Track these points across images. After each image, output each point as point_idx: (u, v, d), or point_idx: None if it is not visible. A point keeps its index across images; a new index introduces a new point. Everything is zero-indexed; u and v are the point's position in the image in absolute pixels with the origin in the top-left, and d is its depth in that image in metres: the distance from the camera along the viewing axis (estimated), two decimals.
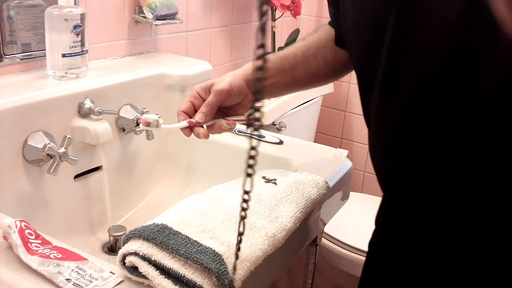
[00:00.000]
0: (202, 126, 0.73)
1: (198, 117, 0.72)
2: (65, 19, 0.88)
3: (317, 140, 1.95)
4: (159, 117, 0.71)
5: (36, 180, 0.83)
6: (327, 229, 1.53)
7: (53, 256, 0.58)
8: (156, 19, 1.11)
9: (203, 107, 0.73)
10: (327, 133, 2.00)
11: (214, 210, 0.64)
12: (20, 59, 0.92)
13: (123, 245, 0.57)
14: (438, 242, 0.61)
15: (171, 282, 0.54)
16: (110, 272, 0.57)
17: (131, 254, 0.56)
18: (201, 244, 0.56)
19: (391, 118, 0.61)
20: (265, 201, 0.68)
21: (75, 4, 0.91)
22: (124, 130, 0.99)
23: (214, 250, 0.55)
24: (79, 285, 0.54)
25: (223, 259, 0.54)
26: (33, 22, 0.92)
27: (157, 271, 0.54)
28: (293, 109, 1.56)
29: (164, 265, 0.54)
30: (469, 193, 0.56)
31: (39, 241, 0.61)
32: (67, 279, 0.55)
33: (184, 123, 0.71)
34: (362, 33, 0.64)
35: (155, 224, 0.58)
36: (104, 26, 1.08)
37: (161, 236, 0.56)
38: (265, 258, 0.61)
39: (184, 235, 0.57)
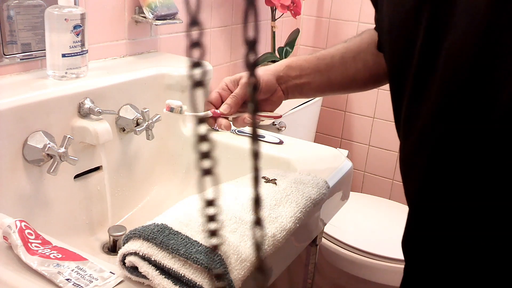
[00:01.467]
0: (227, 118, 0.73)
1: (223, 108, 0.72)
2: (65, 19, 0.88)
3: (317, 140, 1.95)
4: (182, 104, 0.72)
5: (36, 180, 0.83)
6: (327, 229, 1.53)
7: (53, 256, 0.58)
8: (156, 19, 1.11)
9: (229, 99, 0.73)
10: (327, 133, 2.00)
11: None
12: (20, 59, 0.92)
13: (123, 245, 0.57)
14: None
15: (171, 282, 0.54)
16: (110, 272, 0.57)
17: (131, 254, 0.56)
18: (201, 244, 0.56)
19: (416, 127, 0.58)
20: (265, 201, 0.68)
21: (75, 4, 0.91)
22: (124, 130, 0.99)
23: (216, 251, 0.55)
24: (79, 285, 0.54)
25: (223, 259, 0.54)
26: (33, 22, 0.92)
27: (157, 271, 0.54)
28: (293, 109, 1.56)
29: (164, 265, 0.54)
30: (502, 206, 0.52)
31: (39, 241, 0.61)
32: (67, 279, 0.55)
33: (209, 113, 0.72)
34: (395, 35, 0.60)
35: (155, 224, 0.58)
36: (104, 26, 1.08)
37: (161, 236, 0.56)
38: (265, 258, 0.62)
39: (184, 235, 0.57)
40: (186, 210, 0.64)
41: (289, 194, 0.71)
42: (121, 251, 0.56)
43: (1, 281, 0.55)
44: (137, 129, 0.95)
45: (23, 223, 0.61)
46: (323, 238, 1.52)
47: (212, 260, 0.54)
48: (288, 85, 0.78)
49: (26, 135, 0.80)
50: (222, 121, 0.72)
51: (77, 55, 0.91)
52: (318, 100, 1.74)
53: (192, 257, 0.54)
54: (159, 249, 0.55)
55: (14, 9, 0.88)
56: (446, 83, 0.53)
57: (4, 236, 0.60)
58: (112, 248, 0.89)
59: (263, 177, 0.75)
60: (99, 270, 0.57)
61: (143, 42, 1.19)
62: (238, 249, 0.58)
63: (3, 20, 0.87)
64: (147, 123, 0.96)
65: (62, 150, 0.80)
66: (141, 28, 1.17)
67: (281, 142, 1.02)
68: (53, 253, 0.59)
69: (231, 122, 0.74)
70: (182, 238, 0.56)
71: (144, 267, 0.55)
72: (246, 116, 0.73)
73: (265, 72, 0.75)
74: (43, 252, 0.58)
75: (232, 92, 0.74)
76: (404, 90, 0.60)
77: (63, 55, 0.90)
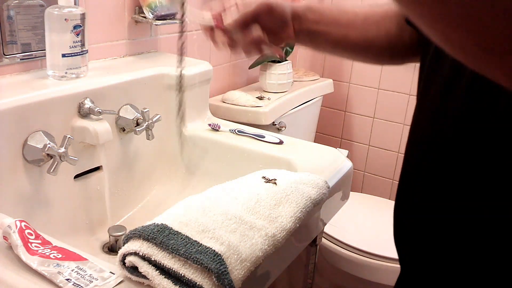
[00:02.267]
0: (228, 34, 0.66)
1: (227, 19, 0.64)
2: (65, 19, 0.88)
3: (317, 140, 1.95)
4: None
5: (36, 180, 0.83)
6: (327, 229, 1.53)
7: (53, 256, 0.58)
8: (156, 19, 1.11)
9: (239, 16, 0.65)
10: (327, 133, 2.00)
11: (214, 210, 0.64)
12: (20, 59, 0.92)
13: (123, 245, 0.57)
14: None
15: (171, 282, 0.54)
16: (110, 272, 0.57)
17: (131, 254, 0.56)
18: (201, 244, 0.56)
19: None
20: (265, 201, 0.68)
21: (75, 4, 0.91)
22: (124, 130, 0.99)
23: (214, 250, 0.55)
24: (79, 285, 0.54)
25: (223, 259, 0.54)
26: (33, 22, 0.92)
27: (157, 271, 0.54)
28: (293, 109, 1.56)
29: (164, 265, 0.54)
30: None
31: (39, 241, 0.61)
32: (67, 279, 0.55)
33: (210, 19, 0.64)
34: None
35: (155, 224, 0.58)
36: (104, 26, 1.08)
37: (161, 236, 0.56)
38: (265, 258, 0.61)
39: (184, 235, 0.57)
40: (186, 210, 0.64)
41: (289, 194, 0.71)
42: (121, 251, 0.56)
43: (1, 281, 0.55)
44: (137, 129, 0.95)
45: (23, 223, 0.61)
46: (323, 238, 1.52)
47: (212, 260, 0.54)
48: (302, 26, 0.71)
49: (26, 135, 0.80)
50: (220, 35, 0.66)
51: (77, 55, 0.91)
52: (318, 100, 1.74)
53: (192, 257, 0.54)
54: (159, 249, 0.55)
55: (14, 9, 0.88)
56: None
57: (4, 236, 0.60)
58: (112, 248, 0.89)
59: (263, 177, 0.75)
60: (99, 270, 0.57)
61: (143, 42, 1.19)
62: (238, 249, 0.58)
63: (3, 20, 0.87)
64: (147, 123, 0.96)
65: (62, 150, 0.80)
66: (141, 28, 1.17)
67: (281, 142, 1.02)
68: (53, 253, 0.59)
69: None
70: (182, 238, 0.56)
71: (144, 267, 0.55)
72: (255, 36, 0.66)
73: (282, 1, 0.68)
74: (43, 252, 0.58)
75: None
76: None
77: (63, 55, 0.90)
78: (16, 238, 0.59)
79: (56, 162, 0.80)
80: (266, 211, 0.66)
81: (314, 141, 1.84)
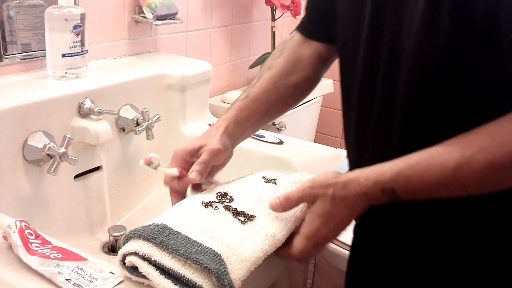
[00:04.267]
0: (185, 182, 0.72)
1: (193, 175, 0.69)
2: (65, 19, 0.88)
3: (317, 140, 1.95)
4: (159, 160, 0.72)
5: (36, 180, 0.83)
6: None
7: (53, 256, 0.58)
8: (156, 19, 1.11)
9: (198, 166, 0.70)
10: (327, 133, 2.00)
11: (214, 210, 0.64)
12: (20, 59, 0.92)
13: (123, 245, 0.57)
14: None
15: (171, 282, 0.54)
16: (110, 272, 0.57)
17: (131, 254, 0.56)
18: (201, 244, 0.56)
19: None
20: (265, 201, 0.68)
21: (75, 4, 0.91)
22: (124, 130, 0.99)
23: (214, 250, 0.55)
24: (79, 285, 0.54)
25: (222, 259, 0.54)
26: (33, 22, 0.92)
27: (157, 271, 0.54)
28: (293, 109, 1.56)
29: (164, 265, 0.54)
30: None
31: (39, 241, 0.61)
32: (67, 279, 0.55)
33: (176, 172, 0.71)
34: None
35: (155, 224, 0.58)
36: (104, 26, 1.08)
37: (161, 236, 0.56)
38: (265, 258, 0.61)
39: (184, 235, 0.57)
40: (186, 210, 0.64)
41: None
42: (121, 251, 0.56)
43: (1, 281, 0.55)
44: (137, 129, 0.95)
45: (23, 223, 0.61)
46: None
47: (211, 260, 0.53)
48: (239, 140, 0.78)
49: (26, 135, 0.80)
50: (181, 184, 0.72)
51: (77, 55, 0.91)
52: (318, 100, 1.74)
53: (192, 257, 0.54)
54: (159, 249, 0.55)
55: (14, 9, 0.88)
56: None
57: (4, 236, 0.60)
58: (112, 248, 0.89)
59: (263, 177, 0.75)
60: (99, 270, 0.57)
61: (143, 42, 1.19)
62: (238, 249, 0.58)
63: (3, 20, 0.87)
64: (147, 123, 0.96)
65: (62, 150, 0.80)
66: (141, 28, 1.17)
67: (281, 142, 1.02)
68: (53, 253, 0.59)
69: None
70: (182, 238, 0.56)
71: (144, 267, 0.55)
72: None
73: (222, 136, 0.74)
74: (43, 252, 0.58)
75: (193, 160, 0.72)
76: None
77: (63, 55, 0.90)
78: (16, 238, 0.59)
79: (56, 162, 0.80)
80: (266, 210, 0.66)
81: (314, 141, 1.83)
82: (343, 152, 1.46)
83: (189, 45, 1.35)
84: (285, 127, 1.49)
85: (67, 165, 0.84)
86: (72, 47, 0.90)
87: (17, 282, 0.55)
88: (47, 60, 0.91)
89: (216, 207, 0.65)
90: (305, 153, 0.98)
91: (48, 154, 0.81)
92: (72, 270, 0.56)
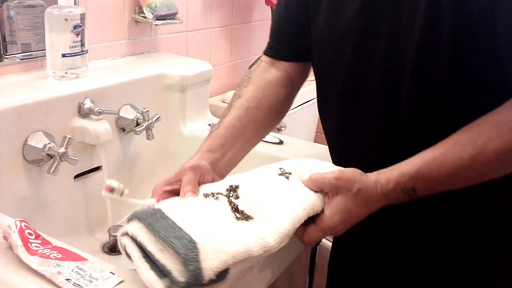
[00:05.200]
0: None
1: (188, 195, 0.63)
2: (65, 19, 0.88)
3: (317, 140, 1.95)
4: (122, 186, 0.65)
5: (36, 180, 0.83)
6: None
7: (53, 256, 0.58)
8: (156, 19, 1.11)
9: (187, 186, 0.64)
10: None
11: (215, 201, 0.63)
12: (20, 59, 0.92)
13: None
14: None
15: (149, 266, 0.53)
16: (110, 272, 0.57)
17: (124, 234, 0.56)
18: (182, 230, 0.54)
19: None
20: (268, 198, 0.65)
21: (75, 4, 0.91)
22: (124, 130, 0.99)
23: (191, 237, 0.53)
24: (79, 285, 0.54)
25: (196, 247, 0.52)
26: (33, 22, 0.92)
27: (140, 253, 0.54)
28: (293, 109, 1.56)
29: (146, 247, 0.54)
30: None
31: (39, 241, 0.61)
32: (67, 279, 0.55)
33: (153, 200, 0.65)
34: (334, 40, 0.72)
35: (152, 208, 0.58)
36: (104, 26, 1.08)
37: (151, 218, 0.56)
38: (267, 258, 0.61)
39: (171, 220, 0.56)
40: (186, 198, 0.63)
41: (296, 194, 0.66)
42: (119, 231, 0.57)
43: (1, 281, 0.55)
44: (137, 129, 0.95)
45: (23, 223, 0.61)
46: (323, 238, 1.52)
47: (183, 245, 0.52)
48: (219, 168, 0.73)
49: (26, 135, 0.80)
50: None
51: (77, 55, 0.91)
52: None
53: (168, 240, 0.53)
54: (145, 231, 0.55)
55: (14, 9, 0.88)
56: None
57: (4, 236, 0.60)
58: (112, 248, 0.89)
59: (280, 168, 0.70)
60: (99, 270, 0.57)
61: (143, 42, 1.19)
62: (219, 241, 0.55)
63: (3, 20, 0.87)
64: (147, 123, 0.96)
65: (62, 150, 0.80)
66: (141, 28, 1.17)
67: (281, 142, 1.02)
68: (53, 253, 0.59)
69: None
70: (168, 222, 0.56)
71: (130, 249, 0.55)
72: None
73: (198, 159, 0.69)
74: (43, 252, 0.58)
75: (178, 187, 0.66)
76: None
77: (63, 55, 0.90)
78: (16, 238, 0.59)
79: (56, 162, 0.80)
80: (266, 207, 0.63)
81: (314, 141, 1.83)
82: None
83: (189, 45, 1.35)
84: (285, 127, 1.49)
85: (67, 165, 0.84)
86: (72, 47, 0.90)
87: (17, 282, 0.55)
88: (47, 60, 0.91)
89: (217, 197, 0.64)
90: (305, 153, 0.98)
91: (48, 154, 0.81)
92: (72, 270, 0.56)
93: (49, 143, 0.81)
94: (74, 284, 0.54)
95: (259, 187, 0.67)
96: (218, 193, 0.65)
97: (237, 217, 0.61)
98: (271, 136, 1.04)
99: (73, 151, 0.87)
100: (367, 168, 0.65)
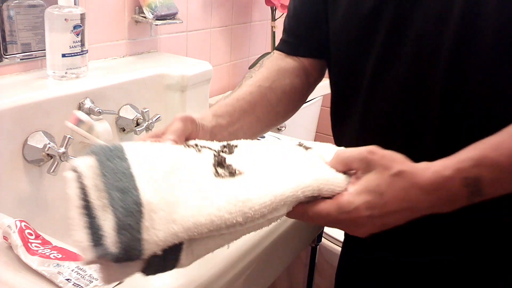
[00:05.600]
0: None
1: (168, 143, 0.51)
2: (65, 19, 0.88)
3: (317, 140, 1.95)
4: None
5: (36, 180, 0.83)
6: (327, 229, 1.52)
7: (53, 256, 0.58)
8: (156, 19, 1.11)
9: (170, 134, 0.52)
10: (327, 133, 2.00)
11: (196, 153, 0.49)
12: (20, 59, 0.92)
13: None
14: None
15: (86, 222, 0.41)
16: None
17: (72, 170, 0.44)
18: (135, 179, 0.41)
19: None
20: (275, 157, 0.51)
21: (75, 4, 0.91)
22: (124, 130, 0.99)
23: (138, 195, 0.40)
24: (79, 285, 0.54)
25: (140, 210, 0.40)
26: (33, 22, 0.92)
27: (81, 201, 0.42)
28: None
29: (88, 195, 0.42)
30: None
31: (39, 241, 0.61)
32: (67, 279, 0.55)
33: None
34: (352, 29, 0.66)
35: (114, 144, 0.46)
36: (104, 26, 1.08)
37: (104, 154, 0.44)
38: (265, 257, 0.60)
39: (127, 163, 0.43)
40: (161, 144, 0.50)
41: (307, 166, 0.52)
42: (68, 167, 0.45)
43: (1, 281, 0.55)
44: (137, 129, 0.95)
45: (23, 223, 0.61)
46: (323, 238, 1.52)
47: (123, 205, 0.40)
48: (222, 136, 0.62)
49: (26, 135, 0.80)
50: None
51: (77, 55, 0.91)
52: (318, 100, 1.73)
53: (109, 191, 0.41)
54: (94, 171, 0.43)
55: (14, 9, 0.88)
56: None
57: (4, 236, 0.60)
58: None
59: (300, 142, 0.57)
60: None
61: (143, 42, 1.19)
62: (176, 205, 0.42)
63: (3, 20, 0.87)
64: (147, 123, 0.96)
65: (62, 150, 0.80)
66: (141, 28, 1.17)
67: None
68: (53, 253, 0.59)
69: None
70: (122, 165, 0.43)
71: (70, 190, 0.43)
72: None
73: (194, 117, 0.57)
74: (43, 252, 0.58)
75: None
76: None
77: (63, 55, 0.89)
78: (16, 238, 0.59)
79: (56, 162, 0.80)
80: (264, 165, 0.49)
81: (314, 141, 1.83)
82: None
83: (189, 45, 1.35)
84: (285, 127, 1.49)
85: (67, 165, 0.84)
86: (72, 47, 0.90)
87: (17, 282, 0.55)
88: (47, 60, 0.91)
89: (199, 150, 0.50)
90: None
91: (48, 154, 0.81)
92: (72, 270, 0.56)
93: (49, 143, 0.81)
94: (74, 284, 0.54)
95: (265, 148, 0.53)
96: (204, 147, 0.51)
97: (217, 173, 0.46)
98: (271, 136, 1.04)
99: (73, 151, 0.87)
100: None
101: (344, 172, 0.51)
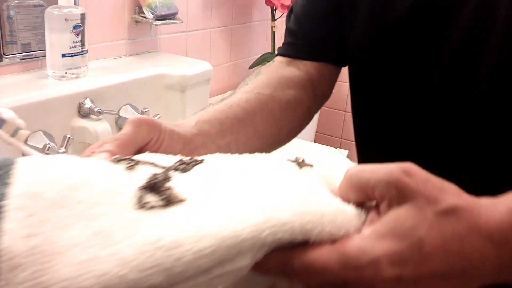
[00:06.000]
0: None
1: (101, 156, 0.38)
2: (65, 19, 0.88)
3: (317, 140, 1.95)
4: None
5: None
6: None
7: None
8: (156, 19, 1.11)
9: (107, 144, 0.39)
10: (327, 133, 2.00)
11: (125, 170, 0.34)
12: (20, 59, 0.92)
13: None
14: None
15: None
16: None
17: None
18: (3, 218, 0.28)
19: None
20: (246, 185, 0.33)
21: (75, 4, 0.91)
22: None
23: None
24: None
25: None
26: (33, 22, 0.92)
27: None
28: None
29: None
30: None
31: None
32: None
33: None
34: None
35: (8, 159, 0.36)
36: (104, 26, 1.08)
37: None
38: None
39: (8, 191, 0.31)
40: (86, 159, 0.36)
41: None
42: None
43: None
44: None
45: None
46: None
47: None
48: (208, 150, 0.46)
49: (26, 135, 0.80)
50: None
51: (77, 55, 0.91)
52: None
53: None
54: None
55: (14, 9, 0.88)
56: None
57: None
58: None
59: (297, 157, 0.41)
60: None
61: (143, 42, 1.19)
62: (52, 261, 0.28)
63: (3, 20, 0.87)
64: None
65: (62, 150, 0.80)
66: (141, 28, 1.17)
67: None
68: None
69: None
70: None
71: None
72: None
73: (157, 121, 0.43)
74: None
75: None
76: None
77: (63, 55, 0.90)
78: None
79: None
80: (215, 210, 0.30)
81: (314, 141, 1.83)
82: (343, 152, 1.46)
83: (189, 45, 1.35)
84: None
85: None
86: (72, 47, 0.90)
87: None
88: (47, 60, 0.91)
89: (133, 166, 0.34)
90: (305, 153, 0.98)
91: (48, 154, 0.81)
92: None
93: (49, 143, 0.81)
94: None
95: (240, 166, 0.36)
96: (148, 163, 0.35)
97: (139, 202, 0.31)
98: None
99: (73, 151, 0.87)
100: None
101: (360, 204, 0.32)
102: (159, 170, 0.34)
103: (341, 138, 1.98)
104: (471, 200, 0.30)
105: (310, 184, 0.34)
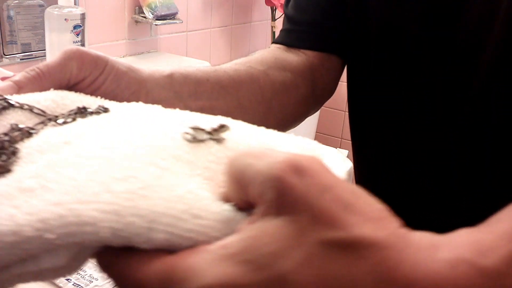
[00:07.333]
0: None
1: (4, 85, 0.32)
2: (65, 19, 0.88)
3: (317, 140, 1.94)
4: None
5: None
6: None
7: None
8: (156, 19, 1.11)
9: (22, 73, 0.33)
10: (327, 133, 2.00)
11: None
12: (20, 59, 0.92)
13: None
14: None
15: None
16: None
17: None
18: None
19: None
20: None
21: (75, 4, 0.91)
22: None
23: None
24: (79, 285, 0.54)
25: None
26: (33, 22, 0.92)
27: None
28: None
29: None
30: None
31: None
32: (67, 279, 0.55)
33: None
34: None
35: None
36: (104, 26, 1.08)
37: None
38: None
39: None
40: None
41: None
42: None
43: None
44: None
45: None
46: None
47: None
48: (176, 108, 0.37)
49: None
50: None
51: None
52: None
53: None
54: None
55: (14, 9, 0.88)
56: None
57: None
58: None
59: (194, 127, 0.28)
60: (99, 270, 0.57)
61: (143, 42, 1.19)
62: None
63: (3, 20, 0.87)
64: None
65: None
66: (141, 28, 1.17)
67: None
68: None
69: None
70: None
71: None
72: None
73: (127, 67, 0.39)
74: None
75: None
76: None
77: None
78: None
79: None
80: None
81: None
82: (343, 152, 1.46)
83: (189, 45, 1.35)
84: None
85: None
86: None
87: None
88: (47, 60, 0.91)
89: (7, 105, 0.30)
90: (305, 153, 0.98)
91: None
92: None
93: None
94: (74, 284, 0.54)
95: (130, 129, 0.27)
96: (24, 107, 0.30)
97: None
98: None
99: None
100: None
101: (247, 204, 0.22)
102: (33, 121, 0.29)
103: (341, 138, 1.98)
104: (398, 235, 0.20)
105: (174, 171, 0.24)
